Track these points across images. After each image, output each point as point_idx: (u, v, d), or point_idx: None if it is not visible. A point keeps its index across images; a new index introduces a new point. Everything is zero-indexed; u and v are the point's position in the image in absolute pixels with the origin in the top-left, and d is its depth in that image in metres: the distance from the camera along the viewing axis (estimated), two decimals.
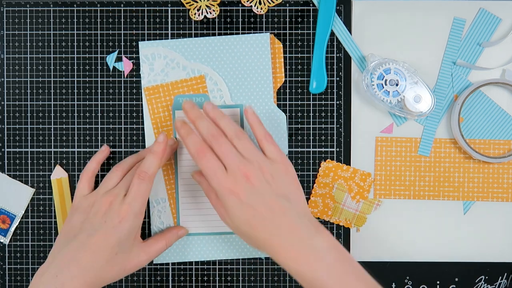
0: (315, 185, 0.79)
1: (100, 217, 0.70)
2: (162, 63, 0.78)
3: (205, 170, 0.69)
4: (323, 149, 0.80)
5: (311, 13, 0.80)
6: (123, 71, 0.79)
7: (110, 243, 0.68)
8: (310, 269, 0.65)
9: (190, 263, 0.80)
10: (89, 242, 0.68)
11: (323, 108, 0.80)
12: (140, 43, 0.79)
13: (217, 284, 0.80)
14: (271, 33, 0.79)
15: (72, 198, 0.79)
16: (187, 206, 0.79)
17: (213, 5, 0.79)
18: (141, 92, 0.79)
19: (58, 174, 0.79)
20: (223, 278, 0.80)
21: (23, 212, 0.79)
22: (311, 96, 0.80)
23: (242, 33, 0.79)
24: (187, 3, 0.79)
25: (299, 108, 0.79)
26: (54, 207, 0.79)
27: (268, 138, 0.72)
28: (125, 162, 0.76)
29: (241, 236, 0.70)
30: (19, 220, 0.79)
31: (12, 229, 0.79)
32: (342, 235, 0.80)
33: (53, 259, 0.68)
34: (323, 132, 0.80)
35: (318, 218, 0.79)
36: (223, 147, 0.69)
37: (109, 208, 0.70)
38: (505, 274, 0.80)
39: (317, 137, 0.80)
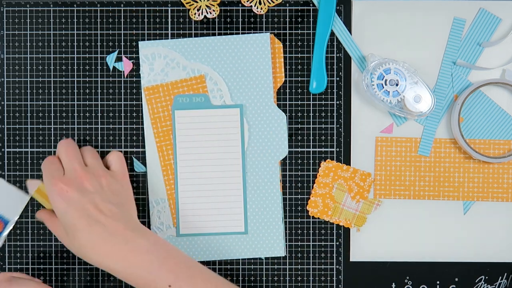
0: (315, 185, 0.79)
1: None
2: (162, 63, 0.78)
3: (44, 171, 0.72)
4: (323, 149, 0.80)
5: (311, 13, 0.80)
6: (123, 71, 0.79)
7: None
8: (129, 265, 0.67)
9: None
10: None
11: (323, 108, 0.80)
12: (140, 43, 0.79)
13: None
14: (271, 33, 0.79)
15: None
16: (187, 206, 0.79)
17: (213, 5, 0.79)
18: (141, 92, 0.79)
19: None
20: None
21: (17, 219, 0.79)
22: (311, 96, 0.80)
23: (242, 33, 0.79)
24: (187, 3, 0.79)
25: (299, 108, 0.79)
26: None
27: (117, 151, 0.77)
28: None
29: (64, 239, 0.71)
30: (13, 225, 0.79)
31: (5, 234, 0.79)
32: (342, 235, 0.80)
33: None
34: (323, 132, 0.80)
35: (318, 218, 0.80)
36: (69, 153, 0.73)
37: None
38: (505, 274, 0.80)
39: (317, 137, 0.80)
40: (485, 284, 0.80)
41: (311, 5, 0.79)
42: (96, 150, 0.77)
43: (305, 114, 0.80)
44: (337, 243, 0.80)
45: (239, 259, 0.80)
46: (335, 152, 0.80)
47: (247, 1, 0.79)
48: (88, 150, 0.75)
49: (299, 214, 0.79)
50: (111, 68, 0.79)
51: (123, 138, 0.79)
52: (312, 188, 0.79)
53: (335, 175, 0.79)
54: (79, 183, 0.70)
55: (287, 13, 0.79)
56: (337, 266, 0.80)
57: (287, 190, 0.79)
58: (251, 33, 0.79)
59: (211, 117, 0.78)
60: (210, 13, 0.79)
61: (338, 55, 0.80)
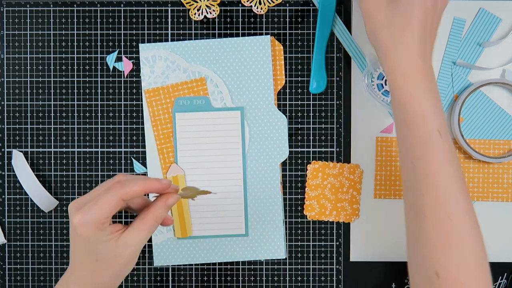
0: (306, 188, 0.79)
1: None
2: (162, 65, 0.78)
3: None
4: (323, 149, 0.80)
5: (311, 13, 0.79)
6: (123, 71, 0.79)
7: (78, 251, 0.62)
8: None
9: (190, 263, 0.80)
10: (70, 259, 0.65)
11: (323, 108, 0.80)
12: (141, 45, 0.78)
13: (217, 284, 0.80)
14: (271, 33, 0.79)
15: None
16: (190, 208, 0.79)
17: (213, 5, 0.79)
18: (141, 93, 0.79)
19: (174, 172, 0.78)
20: (223, 278, 0.80)
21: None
22: (311, 96, 0.80)
23: (242, 33, 0.79)
24: (187, 3, 0.79)
25: (299, 108, 0.79)
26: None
27: None
28: None
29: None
30: None
31: None
32: (342, 235, 0.80)
33: None
34: (323, 132, 0.80)
35: (318, 219, 0.80)
36: None
37: None
38: (505, 274, 0.80)
39: (317, 137, 0.80)
40: None
41: (311, 5, 0.79)
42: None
43: (305, 114, 0.80)
44: (337, 243, 0.80)
45: (239, 261, 0.80)
46: (335, 152, 0.80)
47: (247, 1, 0.79)
48: None
49: (299, 214, 0.80)
50: (111, 68, 0.79)
51: (123, 138, 0.79)
52: (305, 192, 0.79)
53: (324, 175, 0.79)
54: None
55: (287, 13, 0.79)
56: (337, 266, 0.80)
57: (287, 191, 0.79)
58: (251, 34, 0.79)
59: (212, 120, 0.78)
60: (210, 13, 0.79)
61: (338, 55, 0.79)
